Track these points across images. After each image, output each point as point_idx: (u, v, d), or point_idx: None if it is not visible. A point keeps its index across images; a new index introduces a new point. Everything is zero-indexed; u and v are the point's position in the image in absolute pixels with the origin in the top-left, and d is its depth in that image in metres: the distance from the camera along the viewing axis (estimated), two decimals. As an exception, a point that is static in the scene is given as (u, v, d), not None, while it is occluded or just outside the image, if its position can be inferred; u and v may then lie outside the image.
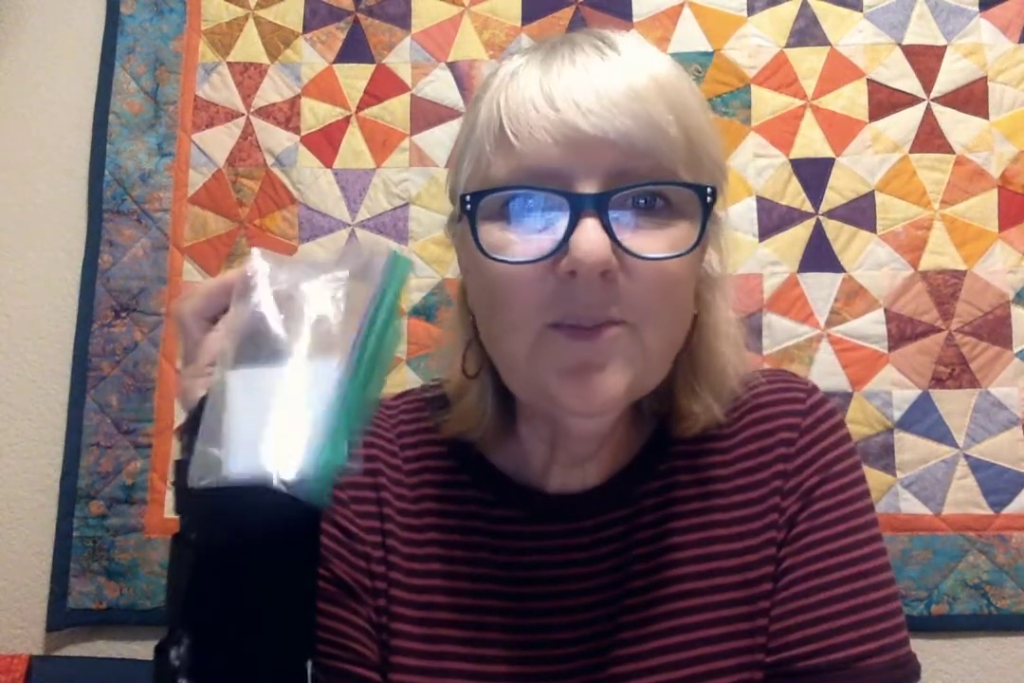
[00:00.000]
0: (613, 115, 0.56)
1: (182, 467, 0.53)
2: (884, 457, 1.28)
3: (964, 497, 1.28)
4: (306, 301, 0.54)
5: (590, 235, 0.55)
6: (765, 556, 0.66)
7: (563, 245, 0.55)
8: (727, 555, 0.67)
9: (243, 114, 1.43)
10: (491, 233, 0.58)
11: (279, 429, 0.51)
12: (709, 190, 0.58)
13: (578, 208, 0.55)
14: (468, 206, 0.58)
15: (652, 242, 0.57)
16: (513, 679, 0.65)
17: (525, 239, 0.57)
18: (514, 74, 0.61)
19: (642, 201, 0.57)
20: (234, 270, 0.57)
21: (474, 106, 0.64)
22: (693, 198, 0.58)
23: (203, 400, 0.53)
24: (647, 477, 0.69)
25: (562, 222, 0.56)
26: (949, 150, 1.36)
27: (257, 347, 0.53)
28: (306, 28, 1.45)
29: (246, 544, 0.53)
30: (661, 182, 0.57)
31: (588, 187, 0.56)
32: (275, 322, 0.54)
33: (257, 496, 0.49)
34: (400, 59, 1.43)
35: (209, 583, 0.54)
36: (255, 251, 0.57)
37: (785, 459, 0.68)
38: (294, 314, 0.54)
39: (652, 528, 0.68)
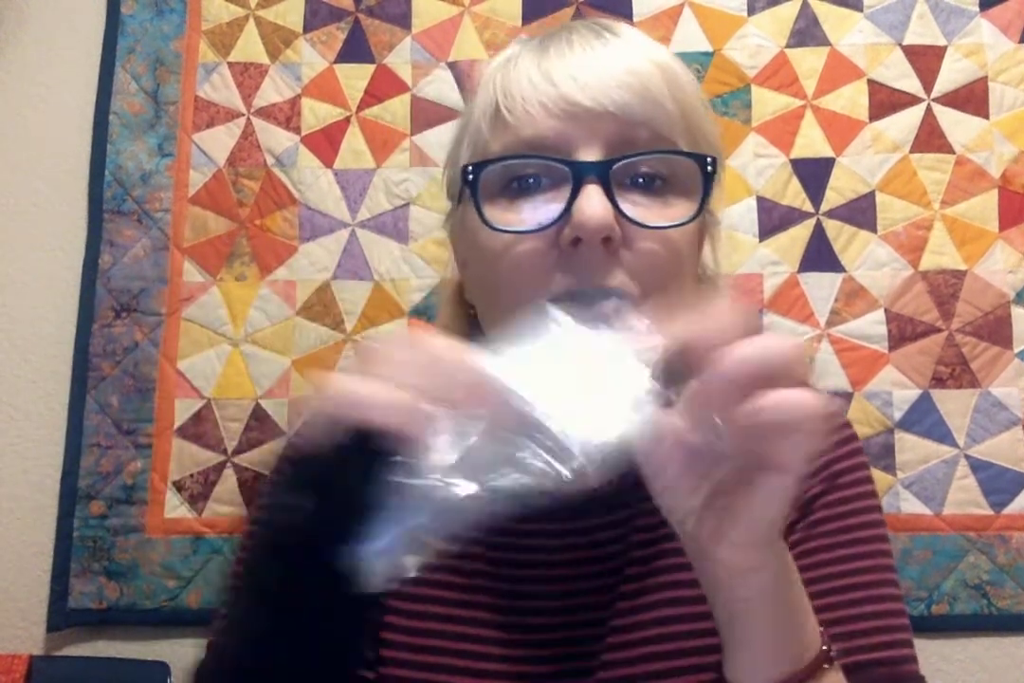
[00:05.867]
0: (610, 88, 0.56)
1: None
2: (884, 457, 1.28)
3: (964, 497, 1.28)
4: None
5: (593, 200, 0.54)
6: None
7: (566, 212, 0.55)
8: None
9: (243, 114, 1.43)
10: (494, 210, 0.58)
11: None
12: (709, 159, 0.58)
13: (580, 175, 0.55)
14: (470, 177, 0.58)
15: (653, 214, 0.57)
16: (501, 677, 0.65)
17: (528, 211, 0.57)
18: (510, 59, 0.62)
19: (641, 180, 0.58)
20: None
21: (470, 99, 0.65)
22: (692, 175, 0.58)
23: None
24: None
25: (564, 192, 0.56)
26: (949, 150, 1.36)
27: None
28: (306, 28, 1.44)
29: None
30: (664, 151, 0.58)
31: (589, 155, 0.56)
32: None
33: None
34: (400, 59, 1.43)
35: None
36: None
37: None
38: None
39: (648, 532, 0.67)
